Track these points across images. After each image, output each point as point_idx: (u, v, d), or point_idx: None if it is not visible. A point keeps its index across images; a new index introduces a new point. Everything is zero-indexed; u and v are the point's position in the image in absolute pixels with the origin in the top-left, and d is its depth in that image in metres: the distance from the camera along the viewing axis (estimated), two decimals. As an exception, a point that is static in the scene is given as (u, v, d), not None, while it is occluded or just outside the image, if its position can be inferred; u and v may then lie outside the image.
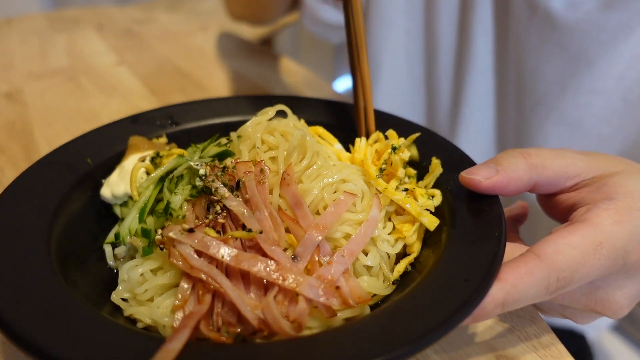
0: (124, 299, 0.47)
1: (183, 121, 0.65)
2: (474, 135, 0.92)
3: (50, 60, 1.17)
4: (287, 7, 1.09)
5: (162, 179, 0.53)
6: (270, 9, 1.07)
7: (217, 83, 1.06)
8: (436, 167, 0.54)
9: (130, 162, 0.57)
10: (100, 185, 0.56)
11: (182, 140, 0.62)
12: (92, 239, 0.53)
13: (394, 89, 1.00)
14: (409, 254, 0.50)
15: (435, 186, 0.54)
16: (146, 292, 0.45)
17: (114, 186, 0.55)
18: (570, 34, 0.72)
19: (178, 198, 0.48)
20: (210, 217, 0.46)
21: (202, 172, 0.49)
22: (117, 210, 0.55)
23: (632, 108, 0.71)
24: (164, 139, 0.63)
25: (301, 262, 0.44)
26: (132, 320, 0.46)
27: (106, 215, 0.56)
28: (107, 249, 0.52)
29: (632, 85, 0.70)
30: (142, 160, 0.57)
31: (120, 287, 0.47)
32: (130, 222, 0.50)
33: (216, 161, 0.51)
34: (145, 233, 0.48)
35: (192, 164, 0.50)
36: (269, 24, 1.16)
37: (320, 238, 0.45)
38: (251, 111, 0.66)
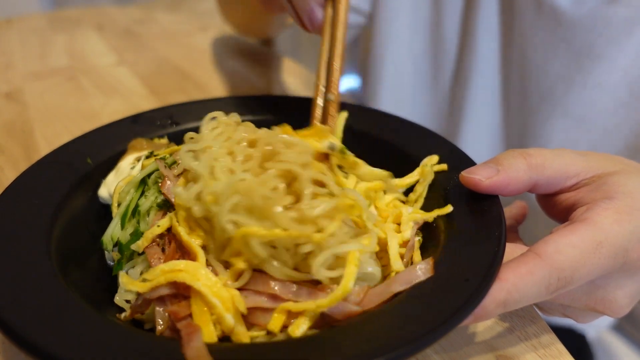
0: (127, 301, 0.46)
1: (183, 121, 0.65)
2: (479, 132, 0.92)
3: (50, 60, 1.17)
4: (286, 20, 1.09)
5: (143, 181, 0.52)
6: (267, 24, 1.06)
7: (217, 83, 1.06)
8: (428, 173, 0.52)
9: (126, 162, 0.57)
10: (100, 185, 0.56)
11: (182, 140, 0.62)
12: (92, 239, 0.53)
13: (398, 86, 1.00)
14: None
15: (433, 187, 0.53)
16: None
17: (111, 186, 0.55)
18: (575, 29, 0.72)
19: (147, 204, 0.48)
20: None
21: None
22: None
23: (638, 100, 0.71)
24: (164, 140, 0.63)
25: None
26: (137, 323, 0.45)
27: (106, 215, 0.55)
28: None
29: (638, 77, 0.70)
30: (138, 160, 0.57)
31: (123, 290, 0.46)
32: (112, 229, 0.49)
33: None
34: (120, 248, 0.47)
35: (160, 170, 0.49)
36: (273, 35, 1.16)
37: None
38: (251, 111, 0.66)
